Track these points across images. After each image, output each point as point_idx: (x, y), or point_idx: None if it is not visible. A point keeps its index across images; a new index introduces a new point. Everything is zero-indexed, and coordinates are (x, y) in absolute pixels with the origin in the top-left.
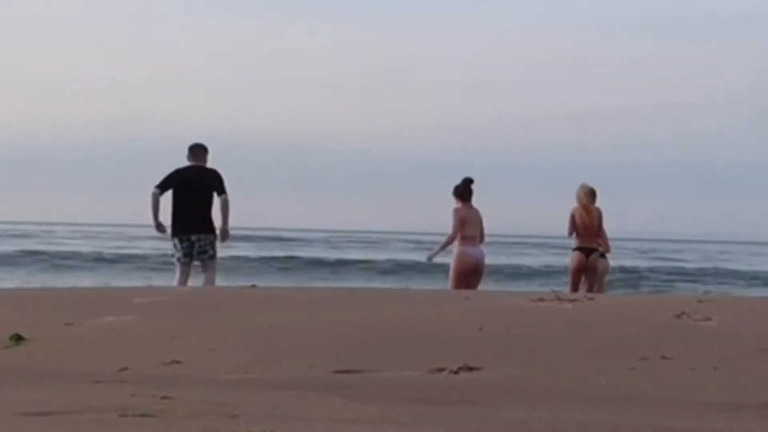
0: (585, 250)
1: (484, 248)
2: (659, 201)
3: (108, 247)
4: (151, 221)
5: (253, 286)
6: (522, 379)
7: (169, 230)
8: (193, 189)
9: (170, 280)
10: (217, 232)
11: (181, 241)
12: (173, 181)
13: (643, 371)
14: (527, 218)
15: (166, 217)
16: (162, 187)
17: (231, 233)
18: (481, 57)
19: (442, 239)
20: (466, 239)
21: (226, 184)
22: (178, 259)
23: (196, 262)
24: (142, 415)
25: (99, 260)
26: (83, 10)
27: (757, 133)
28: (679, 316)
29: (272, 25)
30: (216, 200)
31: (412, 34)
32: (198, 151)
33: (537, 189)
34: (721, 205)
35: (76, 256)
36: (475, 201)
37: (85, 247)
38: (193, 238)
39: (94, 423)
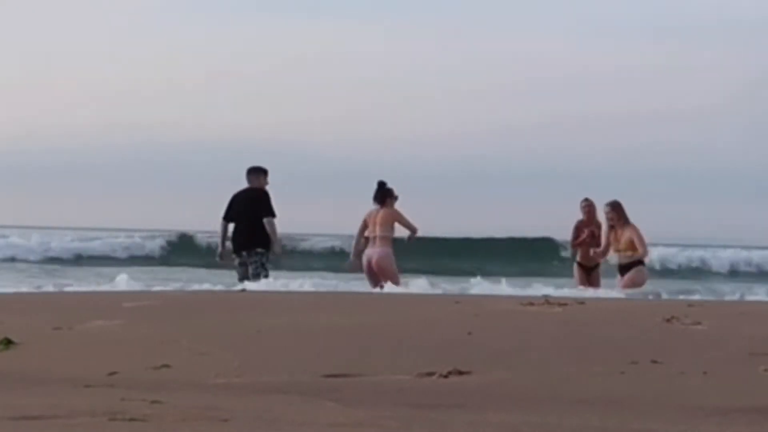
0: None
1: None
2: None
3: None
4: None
5: (243, 290)
6: (512, 383)
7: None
8: (243, 213)
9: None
10: (271, 246)
11: (238, 256)
12: (231, 208)
13: (633, 375)
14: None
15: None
16: (226, 217)
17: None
18: (491, 60)
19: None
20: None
21: (273, 204)
22: (239, 280)
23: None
24: (132, 420)
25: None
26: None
27: (752, 139)
28: (669, 321)
29: (297, 24)
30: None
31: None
32: (254, 174)
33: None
34: (721, 209)
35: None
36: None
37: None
38: (244, 254)
39: (83, 427)
